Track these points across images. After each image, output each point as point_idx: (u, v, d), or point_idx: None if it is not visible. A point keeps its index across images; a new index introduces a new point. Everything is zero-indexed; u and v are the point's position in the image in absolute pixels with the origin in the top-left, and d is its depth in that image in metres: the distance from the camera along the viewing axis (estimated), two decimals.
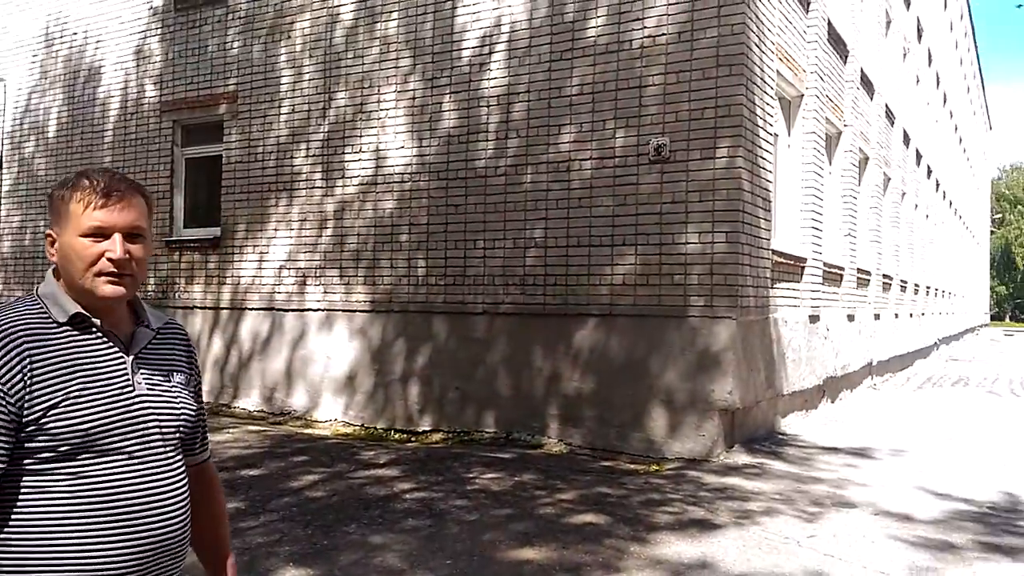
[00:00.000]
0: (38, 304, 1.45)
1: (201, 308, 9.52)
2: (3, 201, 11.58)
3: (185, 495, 1.53)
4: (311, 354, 8.67)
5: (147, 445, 1.45)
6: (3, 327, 1.38)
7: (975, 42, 32.45)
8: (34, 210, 11.23)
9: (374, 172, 8.37)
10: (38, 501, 1.36)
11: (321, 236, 8.70)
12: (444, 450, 7.06)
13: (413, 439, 7.75)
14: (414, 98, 8.16)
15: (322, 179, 8.72)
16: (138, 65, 10.23)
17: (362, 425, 8.24)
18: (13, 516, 1.36)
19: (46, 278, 1.51)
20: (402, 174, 8.20)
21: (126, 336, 1.51)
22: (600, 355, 7.06)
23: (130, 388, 1.46)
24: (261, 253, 9.09)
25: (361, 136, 8.47)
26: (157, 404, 1.49)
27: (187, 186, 9.98)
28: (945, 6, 23.11)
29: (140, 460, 1.43)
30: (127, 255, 1.43)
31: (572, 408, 7.17)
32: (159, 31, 10.05)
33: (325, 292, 8.62)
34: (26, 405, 1.34)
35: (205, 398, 9.17)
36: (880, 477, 6.28)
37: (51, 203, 1.50)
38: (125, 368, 1.47)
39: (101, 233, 1.42)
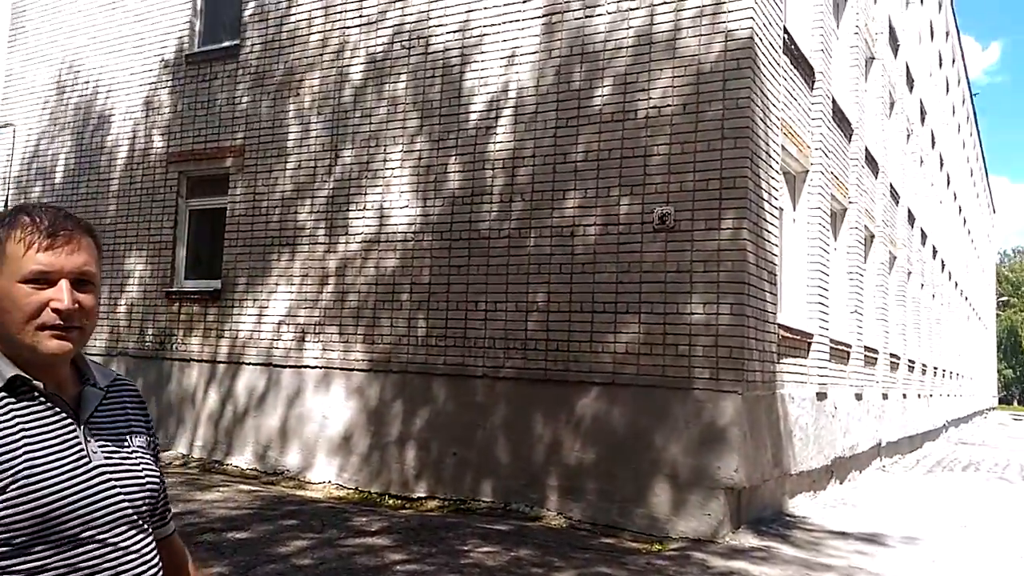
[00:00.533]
0: None
1: (198, 361, 9.36)
2: None
3: None
4: (307, 412, 8.47)
5: (113, 527, 1.25)
6: None
7: (977, 127, 33.03)
8: None
9: (377, 230, 8.32)
10: None
11: (322, 292, 8.60)
12: (439, 519, 6.81)
13: (408, 505, 7.49)
14: (420, 158, 8.17)
15: (325, 235, 8.66)
16: (147, 116, 10.31)
17: (356, 488, 7.99)
18: None
19: None
20: (405, 233, 8.15)
21: (72, 399, 1.30)
22: (602, 425, 6.87)
23: (86, 460, 1.25)
24: (261, 307, 8.98)
25: (366, 194, 8.45)
26: (119, 476, 1.28)
27: (190, 237, 9.94)
28: (947, 90, 23.55)
29: (107, 546, 1.23)
30: (76, 304, 1.23)
31: (573, 479, 6.94)
32: (169, 83, 10.15)
33: (324, 349, 8.47)
34: None
35: (198, 454, 9.03)
36: (893, 566, 6.02)
37: None
38: (77, 437, 1.26)
39: (45, 279, 1.22)
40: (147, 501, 1.34)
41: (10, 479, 1.15)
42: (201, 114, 9.82)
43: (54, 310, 1.21)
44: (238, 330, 9.11)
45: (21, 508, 1.15)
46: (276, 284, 8.92)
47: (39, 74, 11.56)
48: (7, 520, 1.14)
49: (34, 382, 1.24)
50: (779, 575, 5.48)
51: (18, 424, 1.20)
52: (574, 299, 7.15)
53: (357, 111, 8.65)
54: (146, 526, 1.33)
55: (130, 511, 1.28)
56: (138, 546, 1.29)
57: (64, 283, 1.23)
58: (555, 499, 7.00)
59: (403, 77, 8.40)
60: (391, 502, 7.62)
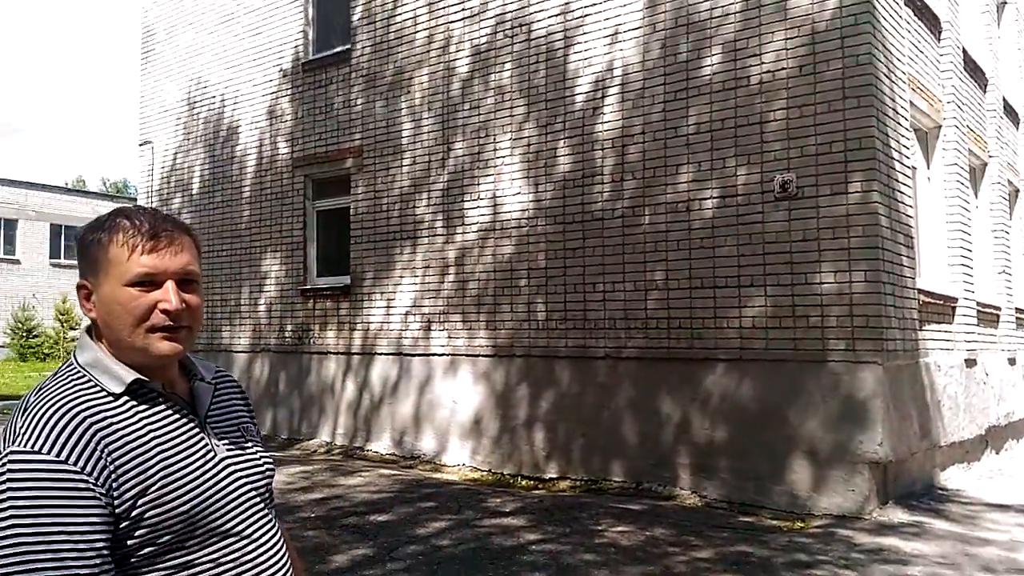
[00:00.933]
0: (84, 377, 1.22)
1: (334, 353, 9.86)
2: None
3: (289, 563, 1.37)
4: (437, 398, 8.77)
5: (246, 517, 1.28)
6: (60, 409, 1.14)
7: None
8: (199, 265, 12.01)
9: (492, 218, 8.46)
10: None
11: (443, 282, 8.84)
12: (571, 499, 6.91)
13: (540, 486, 7.64)
14: (529, 144, 8.22)
15: (443, 226, 8.89)
16: (271, 124, 10.86)
17: (489, 470, 8.22)
18: None
19: (81, 343, 1.28)
20: (519, 219, 8.24)
21: (185, 395, 1.32)
22: (732, 402, 6.74)
23: (213, 455, 1.27)
24: (388, 300, 9.34)
25: (479, 184, 8.60)
26: (243, 467, 1.32)
27: (319, 237, 10.43)
28: None
29: (243, 535, 1.26)
30: (183, 304, 1.23)
31: (704, 457, 6.86)
32: (289, 91, 10.65)
33: (449, 337, 8.73)
34: (115, 496, 1.12)
35: (340, 441, 9.52)
36: None
37: (83, 248, 1.26)
38: (200, 433, 1.28)
39: (150, 281, 1.21)
40: (267, 486, 1.38)
41: (150, 481, 1.15)
42: (320, 119, 10.25)
43: (163, 311, 1.21)
44: (369, 322, 9.51)
45: (164, 507, 1.16)
46: (400, 277, 9.24)
47: (171, 92, 12.39)
48: (153, 520, 1.14)
49: (153, 385, 1.25)
50: (934, 551, 5.23)
51: (147, 426, 1.20)
52: (694, 275, 7.03)
53: (466, 103, 8.79)
54: (270, 510, 1.37)
55: (256, 498, 1.32)
56: (269, 531, 1.32)
57: (170, 284, 1.22)
58: (687, 478, 6.95)
59: (508, 65, 8.46)
60: (523, 483, 7.78)
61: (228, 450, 1.31)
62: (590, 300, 7.67)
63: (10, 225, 30.06)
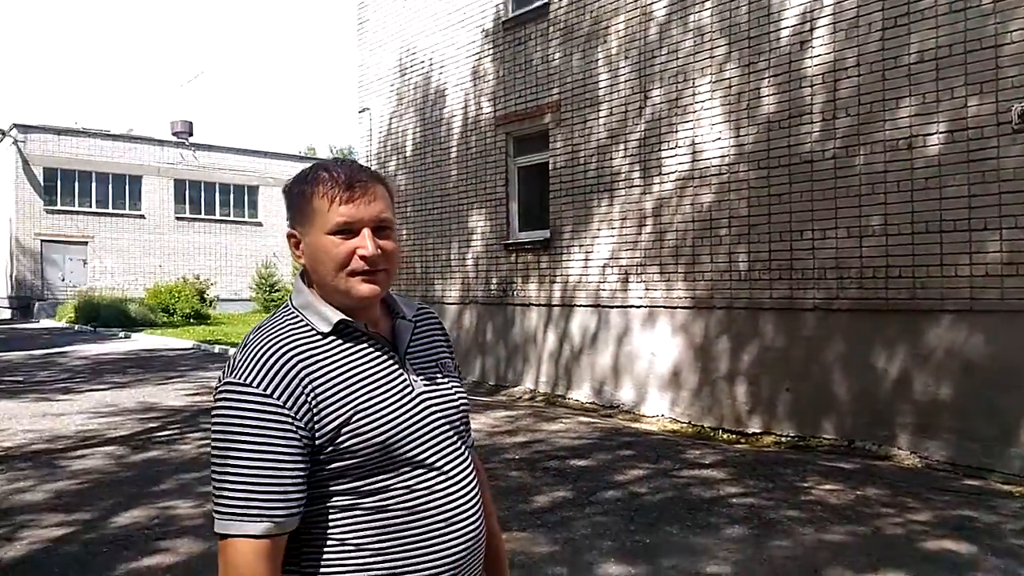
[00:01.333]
0: (297, 317, 1.33)
1: (536, 305, 10.20)
2: None
3: (479, 498, 1.41)
4: (636, 350, 8.81)
5: (440, 449, 1.35)
6: (272, 348, 1.26)
7: None
8: (397, 222, 12.88)
9: (691, 166, 8.24)
10: (344, 533, 1.27)
11: (641, 233, 8.79)
12: (775, 454, 6.72)
13: (742, 440, 7.48)
14: (730, 86, 7.87)
15: (640, 177, 8.80)
16: (475, 84, 11.25)
17: (688, 422, 8.18)
18: (324, 553, 1.27)
19: (296, 287, 1.39)
20: (719, 166, 7.95)
21: (387, 333, 1.40)
22: (959, 357, 6.17)
23: (410, 389, 1.35)
24: (586, 252, 9.46)
25: (677, 131, 8.39)
26: (437, 400, 1.38)
27: (520, 193, 10.74)
28: None
29: (435, 468, 1.33)
30: (379, 250, 1.31)
31: (926, 416, 6.36)
32: (491, 51, 10.95)
33: (647, 289, 8.70)
34: (316, 428, 1.23)
35: (543, 389, 9.90)
36: None
37: (290, 200, 1.36)
38: (399, 369, 1.36)
39: (348, 229, 1.30)
40: (462, 420, 1.44)
41: (350, 412, 1.25)
42: (520, 76, 10.47)
43: (361, 257, 1.30)
44: (568, 275, 9.71)
45: (362, 437, 1.25)
46: (598, 229, 9.31)
47: (384, 60, 13.19)
48: (352, 448, 1.24)
49: (357, 324, 1.33)
50: None
51: (350, 363, 1.30)
52: (917, 219, 6.44)
53: (663, 48, 8.56)
54: (465, 445, 1.43)
55: (451, 432, 1.38)
56: (462, 464, 1.38)
57: (366, 231, 1.30)
58: (906, 437, 6.48)
59: (707, 4, 8.11)
60: (725, 436, 7.66)
61: (425, 384, 1.38)
62: (797, 249, 7.29)
63: (252, 191, 33.82)
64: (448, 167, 11.77)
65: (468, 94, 11.39)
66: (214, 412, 1.25)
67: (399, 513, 1.28)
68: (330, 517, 1.27)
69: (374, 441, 1.26)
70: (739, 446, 7.20)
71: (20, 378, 11.90)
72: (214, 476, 1.22)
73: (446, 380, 1.44)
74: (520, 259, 10.48)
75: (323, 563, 1.27)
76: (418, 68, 12.40)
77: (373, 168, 12.99)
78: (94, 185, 30.75)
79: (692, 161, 8.23)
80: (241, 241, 33.21)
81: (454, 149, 11.66)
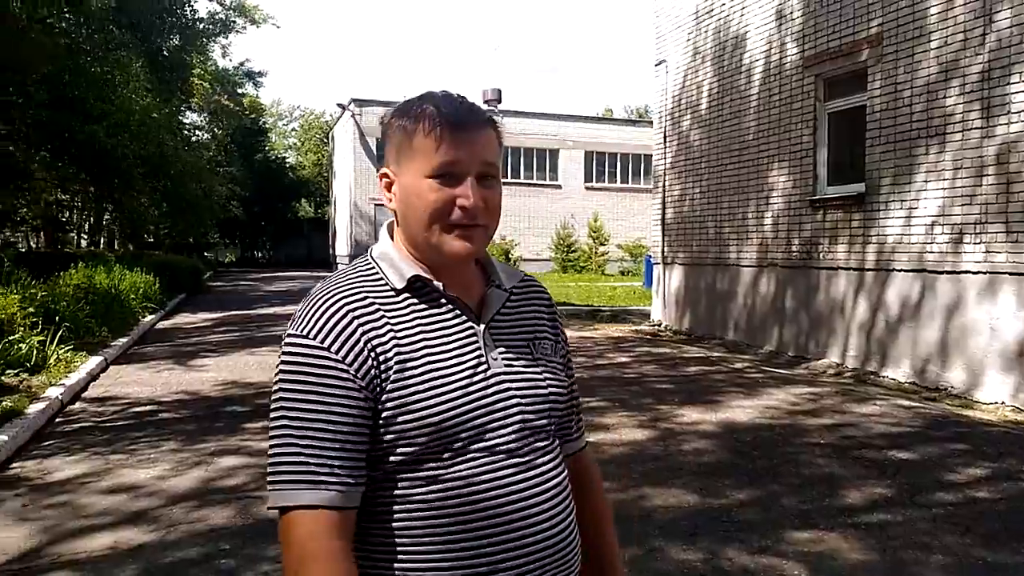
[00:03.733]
0: (372, 269, 1.19)
1: (844, 269, 9.16)
2: (667, 174, 13.10)
3: (565, 496, 1.21)
4: (970, 323, 7.51)
5: (510, 440, 1.15)
6: (333, 299, 1.12)
7: None
8: (691, 181, 12.41)
9: None
10: (393, 515, 1.12)
11: (980, 185, 7.40)
12: None
13: None
14: None
15: (979, 118, 7.37)
16: (779, 25, 10.28)
17: None
18: (369, 535, 1.14)
19: (381, 234, 1.25)
20: None
21: (475, 301, 1.22)
22: None
23: (485, 367, 1.16)
24: (909, 208, 8.23)
25: None
26: (519, 385, 1.18)
27: (829, 142, 9.67)
28: None
29: (501, 461, 1.14)
30: (482, 203, 1.14)
31: None
32: None
33: (987, 251, 7.33)
34: (381, 390, 1.10)
35: (850, 364, 8.91)
36: None
37: (389, 134, 1.20)
38: (477, 343, 1.17)
39: (451, 173, 1.13)
40: (549, 413, 1.22)
41: (405, 382, 1.11)
42: (834, 8, 9.33)
43: (461, 207, 1.14)
44: (885, 235, 8.54)
45: (414, 414, 1.10)
46: (925, 181, 8.03)
47: (682, 6, 12.59)
48: (401, 425, 1.10)
49: (435, 282, 1.18)
50: None
51: (418, 326, 1.15)
52: None
53: None
54: (547, 441, 1.22)
55: (528, 424, 1.18)
56: (538, 461, 1.18)
57: (470, 180, 1.14)
58: None
59: None
60: None
61: (506, 364, 1.19)
62: None
63: (552, 155, 34.86)
64: (747, 119, 10.96)
65: (772, 36, 10.44)
66: (276, 369, 1.14)
67: (453, 508, 1.11)
68: (376, 511, 1.13)
69: (427, 421, 1.10)
70: None
71: None
72: (269, 442, 1.11)
73: (536, 363, 1.23)
74: (828, 217, 9.45)
75: (397, 546, 1.12)
76: (716, 13, 11.66)
77: (667, 126, 12.59)
78: None
79: None
80: (542, 203, 34.49)
81: (754, 98, 10.82)
